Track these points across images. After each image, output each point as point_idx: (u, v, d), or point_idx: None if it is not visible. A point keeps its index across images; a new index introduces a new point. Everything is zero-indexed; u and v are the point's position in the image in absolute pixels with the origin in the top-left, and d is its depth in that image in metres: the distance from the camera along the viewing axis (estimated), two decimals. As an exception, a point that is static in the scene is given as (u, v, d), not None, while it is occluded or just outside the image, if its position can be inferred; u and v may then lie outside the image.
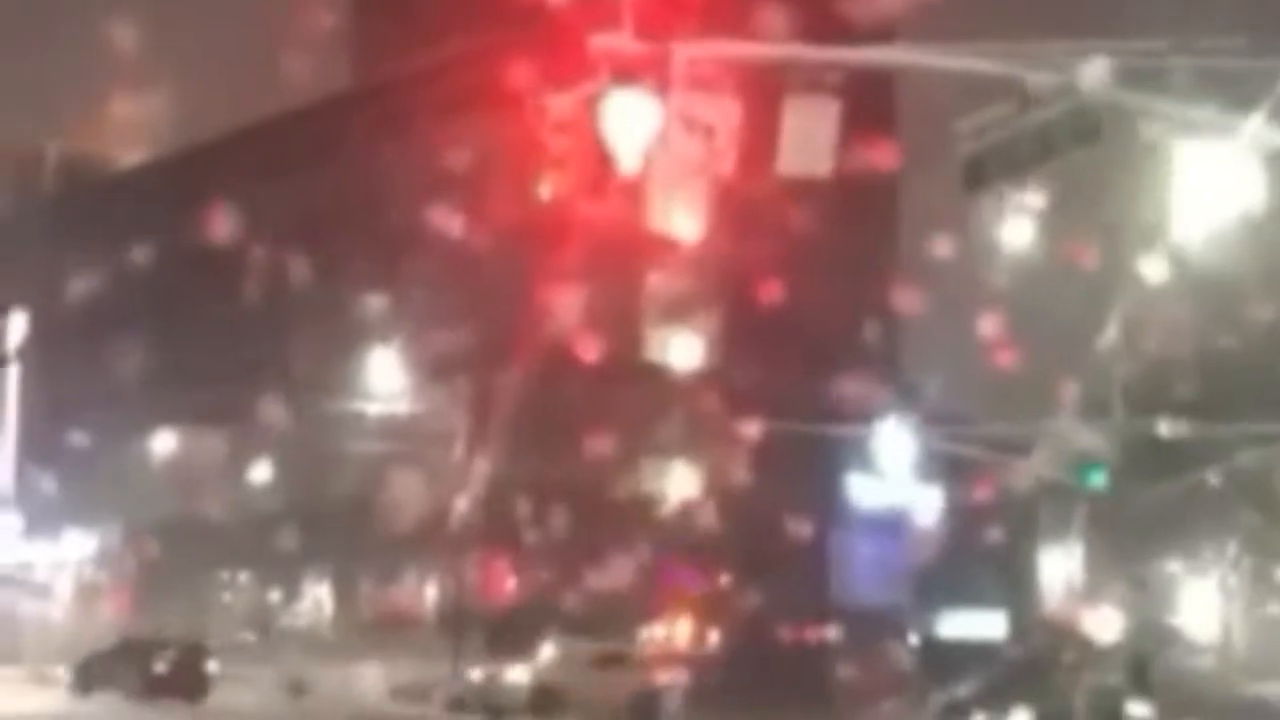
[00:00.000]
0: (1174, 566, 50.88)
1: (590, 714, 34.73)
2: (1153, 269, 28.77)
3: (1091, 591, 45.58)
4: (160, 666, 40.45)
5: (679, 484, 54.76)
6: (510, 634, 47.36)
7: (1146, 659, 34.26)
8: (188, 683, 39.62)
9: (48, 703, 36.25)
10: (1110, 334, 31.18)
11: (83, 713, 33.97)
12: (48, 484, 70.75)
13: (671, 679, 37.02)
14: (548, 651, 38.43)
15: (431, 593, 52.72)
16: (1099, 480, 31.97)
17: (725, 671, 45.25)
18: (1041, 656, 41.29)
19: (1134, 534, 33.32)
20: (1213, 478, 33.04)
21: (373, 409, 47.53)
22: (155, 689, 39.27)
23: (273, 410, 54.26)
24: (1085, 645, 40.50)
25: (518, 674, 36.22)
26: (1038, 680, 37.22)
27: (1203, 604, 50.80)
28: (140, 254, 63.06)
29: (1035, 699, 36.21)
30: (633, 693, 34.89)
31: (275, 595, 59.22)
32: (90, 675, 41.52)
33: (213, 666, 41.38)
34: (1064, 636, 42.23)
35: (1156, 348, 39.46)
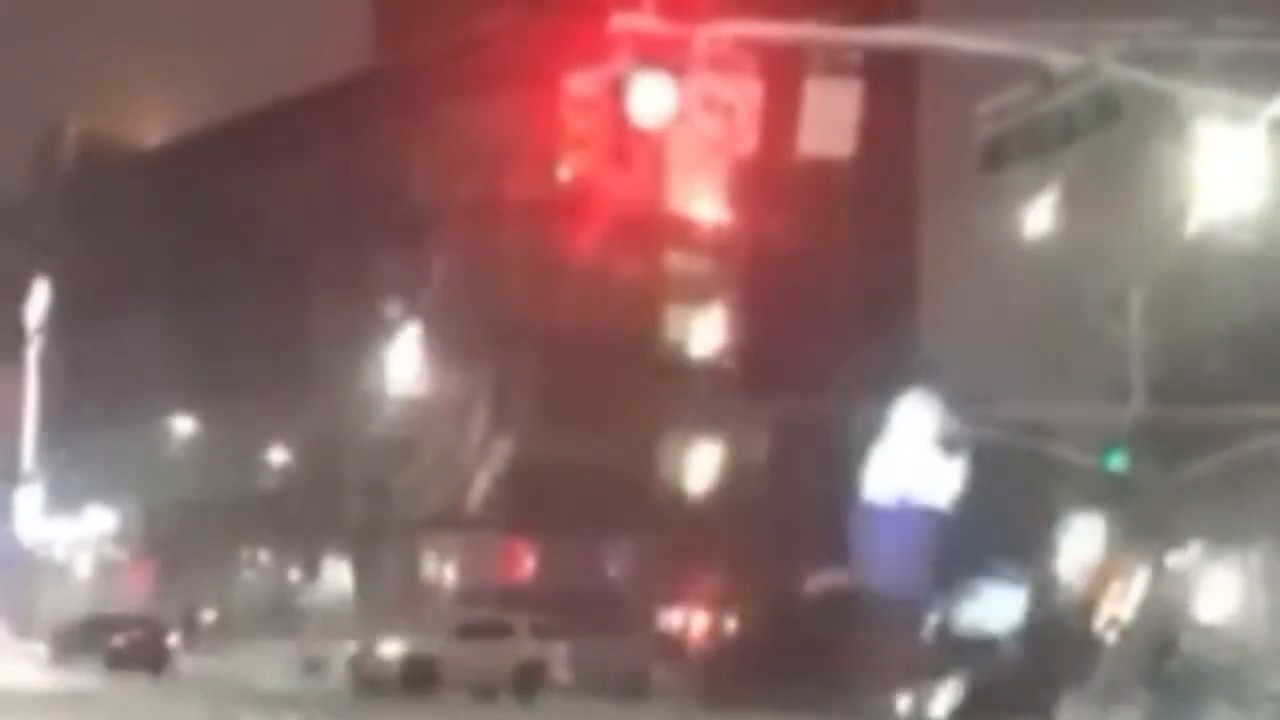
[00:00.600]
0: (1195, 550, 50.70)
1: (469, 685, 33.93)
2: (1175, 249, 28.70)
3: (1113, 574, 45.48)
4: (120, 641, 43.87)
5: (699, 464, 54.80)
6: (528, 614, 47.49)
7: (1167, 643, 34.18)
8: (148, 656, 42.75)
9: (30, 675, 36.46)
10: (1132, 314, 31.08)
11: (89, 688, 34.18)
12: (68, 462, 71.16)
13: (557, 649, 35.99)
14: (420, 622, 37.53)
15: (450, 573, 52.87)
16: (1120, 462, 31.92)
17: (742, 654, 45.30)
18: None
19: (1155, 517, 33.24)
20: (1235, 459, 32.92)
21: (393, 389, 47.63)
22: (118, 661, 42.39)
23: (293, 389, 54.46)
24: (1105, 629, 40.50)
25: (390, 647, 34.91)
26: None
27: (1224, 588, 50.64)
28: (159, 233, 63.24)
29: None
30: (516, 663, 34.27)
31: (295, 573, 59.46)
32: (62, 647, 45.46)
33: (172, 641, 45.13)
34: (1084, 618, 42.26)
35: (1179, 328, 39.32)
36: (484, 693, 34.30)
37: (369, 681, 34.43)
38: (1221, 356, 43.68)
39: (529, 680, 34.47)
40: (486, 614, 39.68)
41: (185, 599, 60.76)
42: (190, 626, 51.70)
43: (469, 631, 35.59)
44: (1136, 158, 29.07)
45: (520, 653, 34.86)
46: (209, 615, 59.36)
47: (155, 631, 45.77)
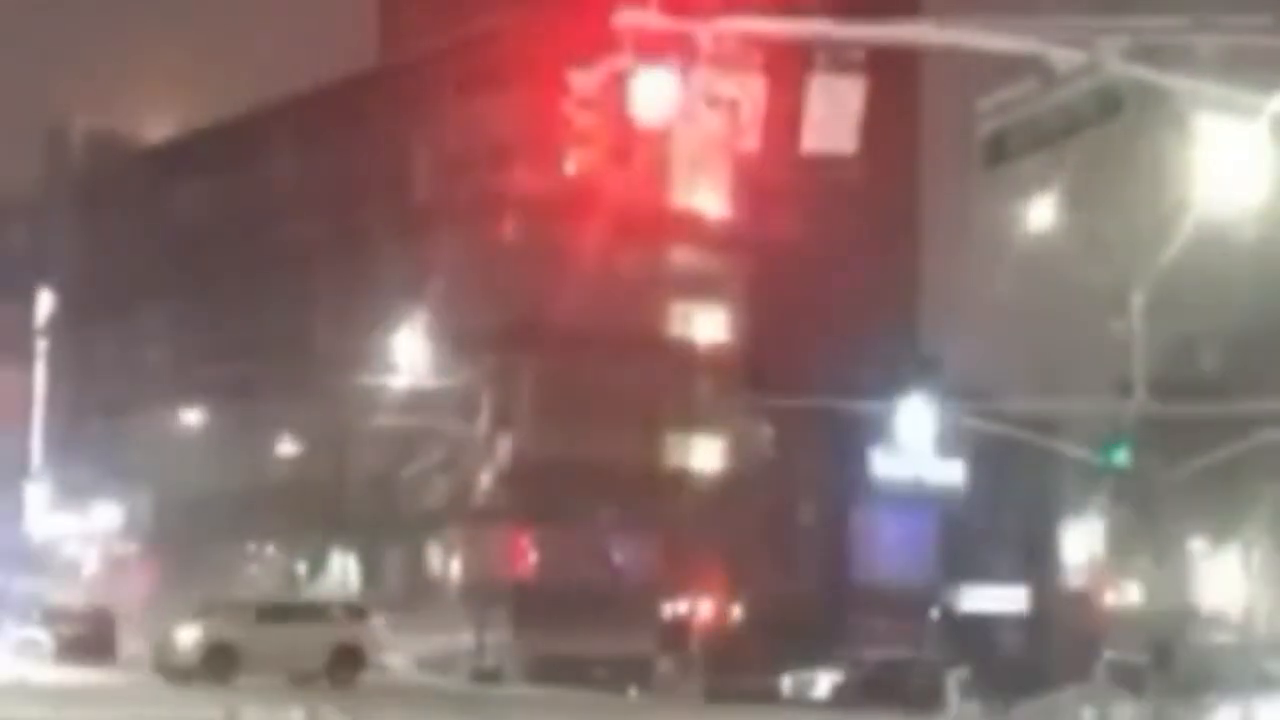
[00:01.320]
0: (1196, 543, 50.88)
1: (276, 670, 32.66)
2: (1177, 245, 28.80)
3: (1114, 568, 45.68)
4: (68, 631, 44.63)
5: (702, 458, 54.94)
6: (534, 608, 47.70)
7: (1169, 636, 34.34)
8: (96, 646, 43.52)
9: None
10: (1133, 310, 31.17)
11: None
12: (76, 457, 71.32)
13: (374, 633, 34.91)
14: (218, 606, 36.06)
15: (456, 566, 53.05)
16: (1122, 457, 32.02)
17: (746, 646, 45.50)
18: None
19: (1156, 510, 33.38)
20: (1235, 454, 33.04)
21: (398, 383, 47.76)
22: (67, 651, 42.91)
23: (299, 384, 54.63)
24: (1107, 621, 40.61)
25: (188, 632, 33.46)
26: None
27: (1225, 581, 50.82)
28: (167, 229, 63.43)
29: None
30: (331, 648, 32.97)
31: (301, 567, 59.64)
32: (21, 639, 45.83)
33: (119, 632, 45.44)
34: (1085, 611, 42.41)
35: (1180, 324, 39.44)
36: (301, 678, 32.70)
37: (169, 669, 33.04)
38: (1222, 352, 43.86)
39: (344, 664, 33.24)
40: (298, 597, 38.65)
41: (192, 593, 60.98)
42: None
43: (277, 615, 34.28)
44: (1138, 154, 29.21)
45: (334, 636, 33.63)
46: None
47: (103, 622, 46.36)
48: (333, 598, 38.43)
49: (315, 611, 35.53)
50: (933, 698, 38.98)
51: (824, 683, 40.38)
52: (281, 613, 34.68)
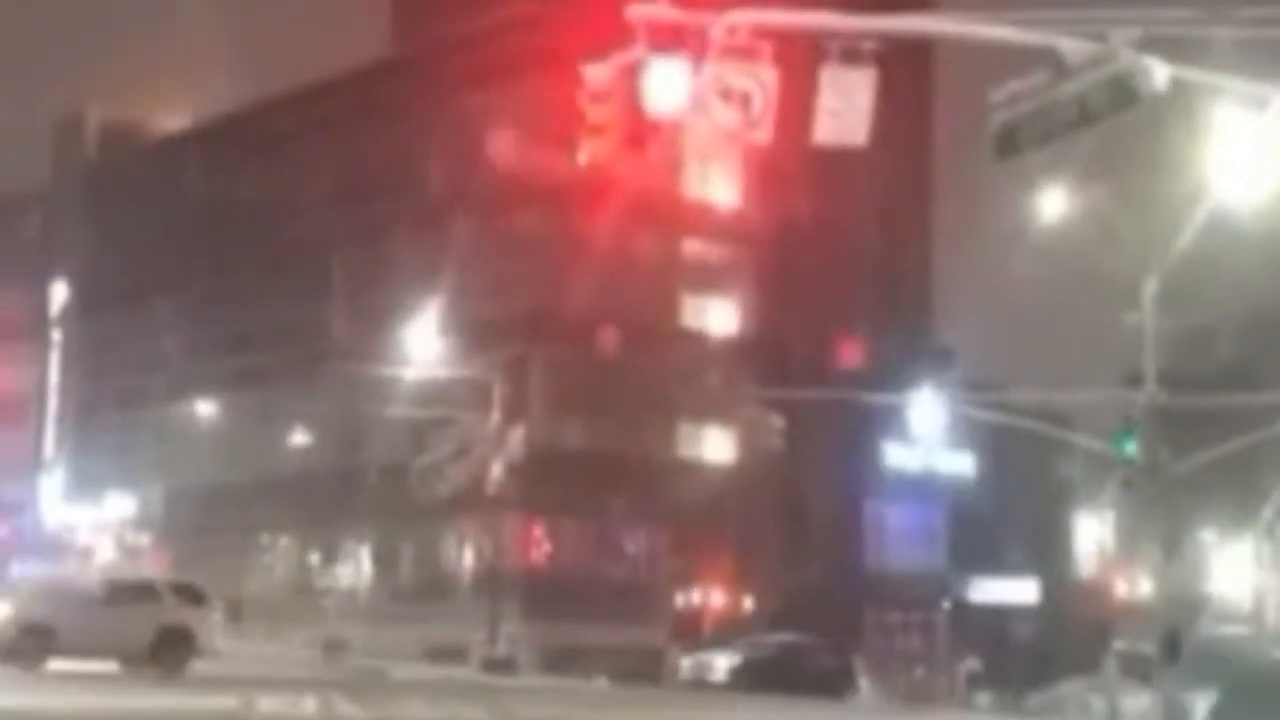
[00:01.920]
0: (1207, 534, 50.91)
1: (98, 653, 31.00)
2: (1189, 235, 28.78)
3: (1124, 558, 45.70)
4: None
5: (714, 449, 55.02)
6: (546, 599, 47.83)
7: (1179, 627, 34.33)
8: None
9: None
10: (1145, 300, 31.15)
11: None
12: (90, 447, 71.61)
13: (208, 617, 32.87)
14: (33, 584, 33.95)
15: (469, 557, 53.20)
16: (1132, 448, 32.03)
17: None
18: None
19: (1167, 501, 33.39)
20: (1247, 445, 33.03)
21: (411, 374, 47.89)
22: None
23: (312, 374, 54.79)
24: (1117, 612, 40.67)
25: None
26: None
27: (1236, 571, 50.85)
28: (180, 219, 63.59)
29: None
30: (157, 630, 31.21)
31: (314, 557, 59.84)
32: None
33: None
34: (1096, 601, 42.45)
35: (1192, 314, 39.45)
36: (131, 660, 31.09)
37: None
38: (1235, 343, 43.84)
39: (171, 647, 31.49)
40: (129, 577, 36.30)
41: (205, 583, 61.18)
42: (236, 611, 51.81)
43: (100, 594, 32.35)
44: (1150, 144, 29.19)
45: (161, 618, 31.75)
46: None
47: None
48: (164, 577, 36.10)
49: (142, 592, 33.20)
50: (841, 681, 38.74)
51: (722, 665, 39.49)
52: (104, 592, 32.63)
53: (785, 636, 42.12)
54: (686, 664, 40.46)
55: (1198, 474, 32.67)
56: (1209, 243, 28.68)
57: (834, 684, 38.45)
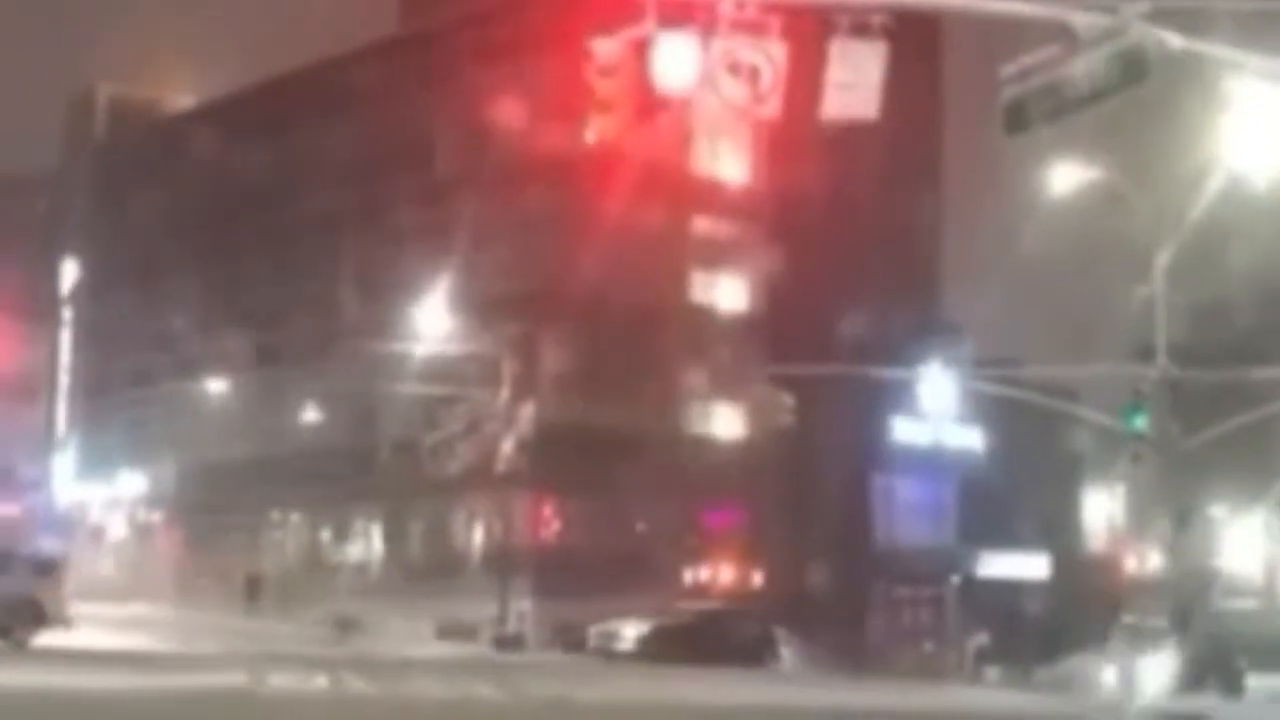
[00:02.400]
0: (1218, 509, 50.86)
1: None
2: (1200, 208, 28.73)
3: (1135, 533, 45.72)
4: None
5: (723, 426, 55.04)
6: (556, 575, 47.91)
7: (1189, 601, 34.37)
8: None
9: None
10: (1156, 274, 31.09)
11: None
12: (101, 426, 71.79)
13: (59, 589, 32.03)
14: None
15: (479, 534, 53.31)
16: (1142, 423, 32.01)
17: (767, 612, 45.59)
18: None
19: (1178, 476, 33.37)
20: (1258, 419, 32.98)
21: (421, 351, 47.93)
22: None
23: (323, 351, 54.85)
24: (1128, 587, 40.67)
25: None
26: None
27: (1246, 546, 50.83)
28: (190, 197, 63.62)
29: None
30: (4, 601, 30.36)
31: (325, 535, 59.99)
32: None
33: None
34: (1106, 576, 42.44)
35: (1203, 288, 39.35)
36: None
37: None
38: (1245, 316, 43.71)
39: (19, 619, 30.65)
40: None
41: (217, 559, 61.43)
42: (254, 590, 51.92)
43: None
44: (1161, 117, 29.10)
45: (9, 589, 30.97)
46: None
47: None
48: (13, 548, 35.08)
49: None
50: (762, 650, 38.13)
51: (629, 634, 38.45)
52: None
53: (704, 605, 41.72)
54: (593, 632, 39.78)
55: (1208, 448, 32.63)
56: (1221, 216, 28.63)
57: (753, 653, 37.57)
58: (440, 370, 48.16)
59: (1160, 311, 31.24)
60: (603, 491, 49.23)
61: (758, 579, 51.63)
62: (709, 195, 54.30)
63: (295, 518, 61.26)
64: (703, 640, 37.14)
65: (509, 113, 50.14)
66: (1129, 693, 29.88)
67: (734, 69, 14.39)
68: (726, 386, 53.82)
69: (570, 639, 41.23)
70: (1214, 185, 27.13)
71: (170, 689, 23.55)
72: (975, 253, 52.39)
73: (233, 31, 68.25)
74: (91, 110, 74.81)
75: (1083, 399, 39.54)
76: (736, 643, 38.07)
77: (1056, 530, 55.96)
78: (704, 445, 53.66)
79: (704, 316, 54.14)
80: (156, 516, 68.33)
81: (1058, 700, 32.41)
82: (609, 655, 37.74)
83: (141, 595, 62.77)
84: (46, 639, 31.45)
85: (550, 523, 51.25)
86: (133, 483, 68.38)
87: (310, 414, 55.34)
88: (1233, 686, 30.57)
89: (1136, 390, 31.80)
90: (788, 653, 39.89)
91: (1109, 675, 35.93)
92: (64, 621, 31.94)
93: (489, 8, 52.36)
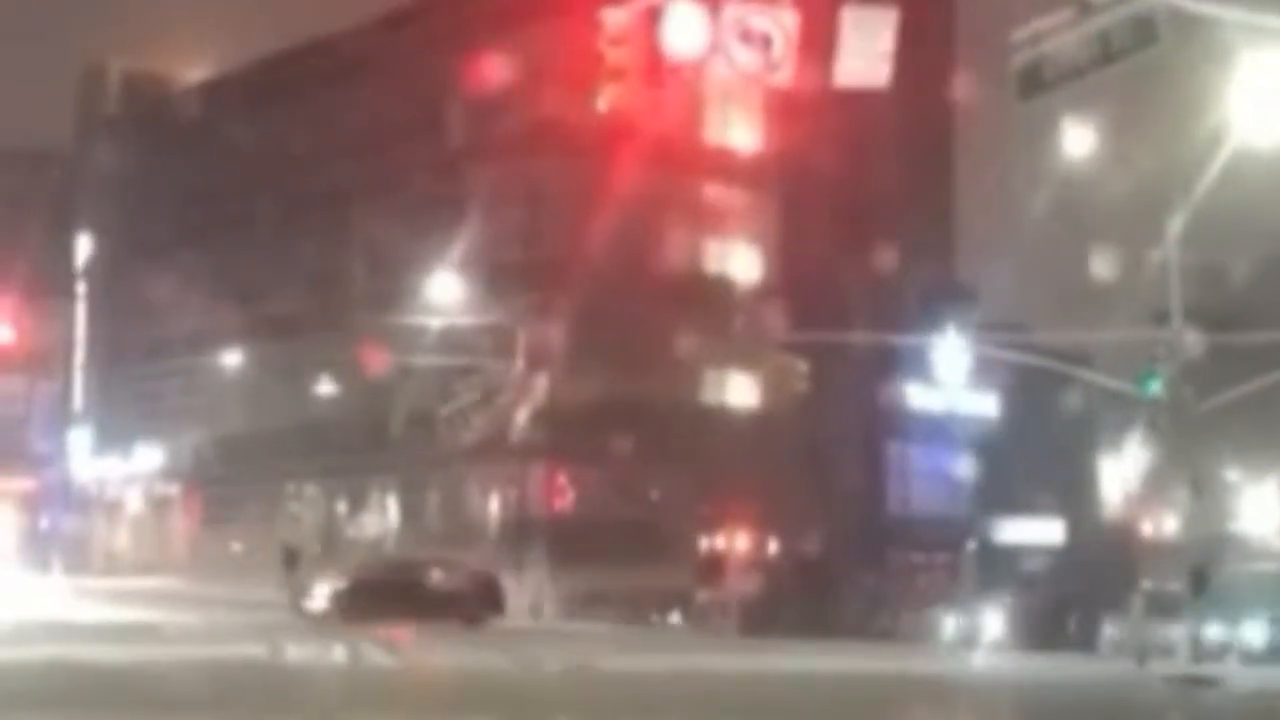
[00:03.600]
0: (1233, 473, 50.86)
1: None
2: (1214, 172, 28.61)
3: (1150, 497, 45.66)
4: None
5: (737, 394, 55.07)
6: (571, 544, 48.04)
7: (1206, 566, 34.36)
8: None
9: None
10: (1170, 238, 30.99)
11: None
12: (117, 400, 72.02)
13: None
14: None
15: (494, 504, 53.43)
16: (1157, 387, 31.96)
17: (782, 580, 45.75)
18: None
19: (1193, 441, 33.33)
20: (1273, 382, 32.89)
21: (435, 322, 47.98)
22: None
23: (337, 323, 54.94)
24: (1144, 551, 40.66)
25: None
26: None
27: (1262, 510, 50.84)
28: (204, 170, 63.62)
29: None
30: None
31: (341, 506, 60.17)
32: None
33: None
34: (1122, 541, 42.42)
35: (1217, 252, 39.25)
36: None
37: None
38: (1261, 279, 43.58)
39: None
40: None
41: (235, 532, 61.70)
42: (292, 560, 51.92)
43: None
44: (1174, 81, 28.96)
45: None
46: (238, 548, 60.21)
47: None
48: None
49: None
50: (471, 604, 35.73)
51: (322, 591, 36.30)
52: None
53: (400, 557, 39.97)
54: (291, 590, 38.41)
55: (1223, 412, 32.58)
56: (1235, 179, 28.50)
57: (462, 608, 35.44)
58: (454, 341, 48.23)
59: (1174, 275, 31.16)
60: (617, 461, 49.31)
61: (772, 547, 51.74)
62: (721, 163, 54.19)
63: (311, 489, 61.46)
64: (399, 594, 35.16)
65: (520, 82, 50.05)
66: (1146, 656, 29.92)
67: (746, 37, 14.45)
68: (740, 354, 53.81)
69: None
70: (1227, 147, 27.04)
71: (188, 659, 23.72)
72: (988, 218, 52.30)
73: (243, 4, 68.08)
74: (104, 84, 74.74)
75: (1097, 364, 39.48)
76: (438, 596, 35.97)
77: (1072, 496, 56.01)
78: (718, 413, 53.68)
79: (717, 284, 54.10)
80: (173, 490, 68.58)
81: (1076, 664, 32.50)
82: (302, 614, 35.72)
83: (160, 569, 63.12)
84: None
85: (565, 492, 51.37)
86: (149, 457, 68.60)
87: (325, 385, 55.46)
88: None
89: (1151, 355, 31.76)
90: (549, 609, 38.85)
91: (949, 626, 36.88)
92: None
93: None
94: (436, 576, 37.26)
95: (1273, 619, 32.97)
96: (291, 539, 54.24)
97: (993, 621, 38.91)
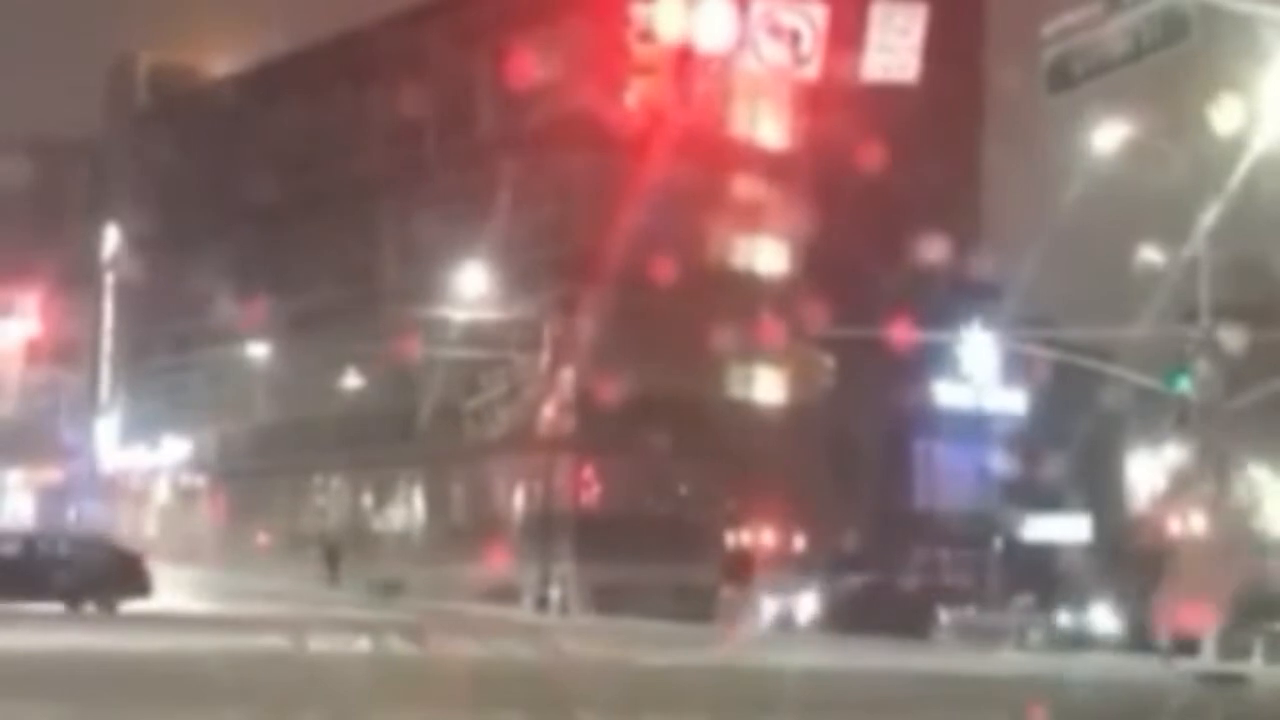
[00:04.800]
0: (1261, 472, 50.56)
1: None
2: (1244, 167, 28.46)
3: (1178, 495, 45.49)
4: None
5: (764, 389, 54.98)
6: (597, 539, 48.07)
7: (1234, 562, 34.22)
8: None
9: None
10: (1199, 234, 30.83)
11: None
12: (144, 391, 72.34)
13: None
14: None
15: (520, 497, 53.48)
16: (1186, 385, 31.82)
17: (809, 575, 45.65)
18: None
19: (1222, 437, 33.16)
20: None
21: (462, 315, 48.03)
22: None
23: (364, 315, 55.04)
24: (1171, 548, 40.51)
25: None
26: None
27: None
28: (231, 162, 63.77)
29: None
30: None
31: (368, 499, 60.31)
32: None
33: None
34: (1152, 539, 42.29)
35: (1246, 248, 39.02)
36: None
37: None
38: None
39: None
40: None
41: (260, 523, 61.93)
42: (334, 555, 52.11)
43: None
44: (1205, 75, 28.78)
45: None
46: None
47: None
48: None
49: None
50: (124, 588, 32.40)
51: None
52: None
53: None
54: None
55: (1251, 409, 32.41)
56: (1265, 175, 28.32)
57: (92, 589, 31.82)
58: (481, 334, 48.27)
59: (1204, 271, 30.99)
60: (644, 455, 49.29)
61: (799, 542, 51.68)
62: (749, 158, 54.07)
63: (337, 482, 61.62)
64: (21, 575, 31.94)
65: (550, 76, 50.03)
66: (1172, 654, 29.80)
67: (775, 31, 14.41)
68: (767, 349, 53.72)
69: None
70: (1258, 143, 26.86)
71: (214, 649, 23.80)
72: (1018, 213, 52.06)
73: (272, -3, 68.21)
74: (132, 76, 74.98)
75: (1124, 360, 39.29)
76: (55, 573, 32.25)
77: (1099, 493, 55.79)
78: (744, 408, 53.61)
79: (744, 279, 54.01)
80: (200, 481, 68.83)
81: (1101, 662, 32.39)
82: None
83: (187, 560, 63.39)
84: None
85: (591, 486, 51.37)
86: (176, 448, 68.85)
87: (352, 378, 55.60)
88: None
89: (1180, 352, 31.61)
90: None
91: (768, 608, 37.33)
92: None
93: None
94: (59, 551, 33.56)
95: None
96: (332, 534, 54.49)
97: (808, 603, 40.30)
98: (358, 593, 45.79)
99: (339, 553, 52.22)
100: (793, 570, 45.13)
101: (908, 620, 36.89)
